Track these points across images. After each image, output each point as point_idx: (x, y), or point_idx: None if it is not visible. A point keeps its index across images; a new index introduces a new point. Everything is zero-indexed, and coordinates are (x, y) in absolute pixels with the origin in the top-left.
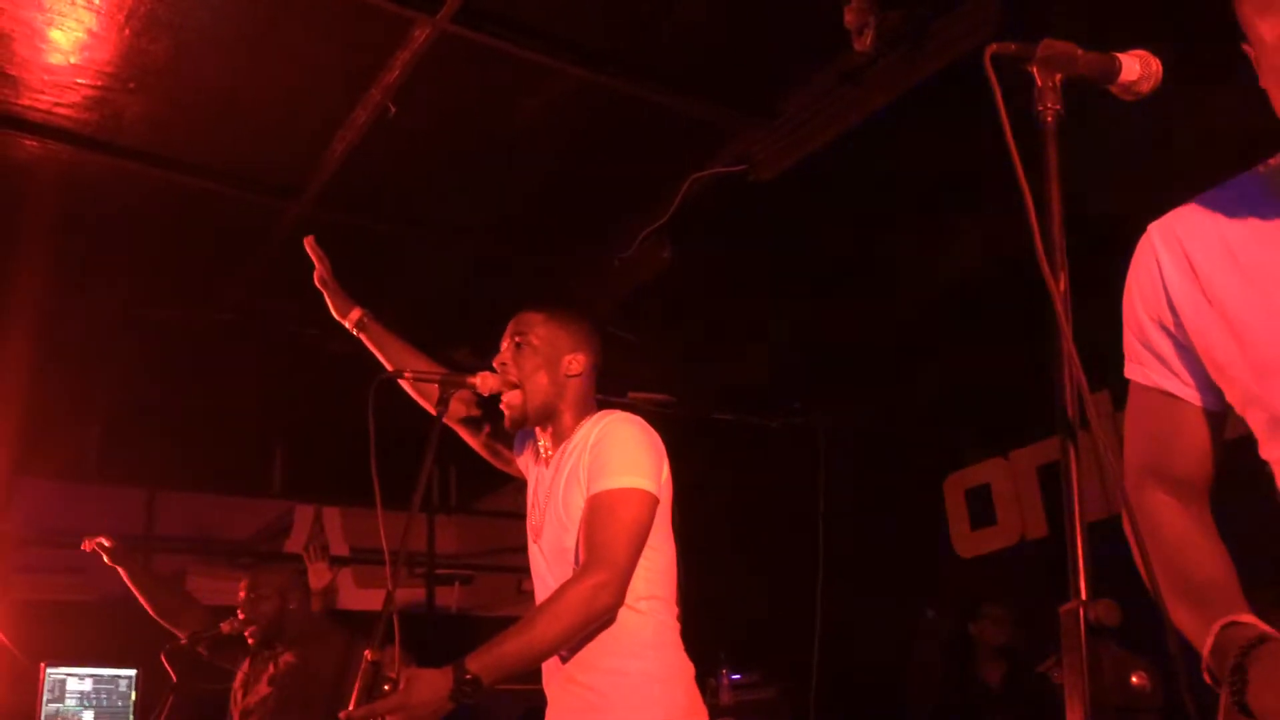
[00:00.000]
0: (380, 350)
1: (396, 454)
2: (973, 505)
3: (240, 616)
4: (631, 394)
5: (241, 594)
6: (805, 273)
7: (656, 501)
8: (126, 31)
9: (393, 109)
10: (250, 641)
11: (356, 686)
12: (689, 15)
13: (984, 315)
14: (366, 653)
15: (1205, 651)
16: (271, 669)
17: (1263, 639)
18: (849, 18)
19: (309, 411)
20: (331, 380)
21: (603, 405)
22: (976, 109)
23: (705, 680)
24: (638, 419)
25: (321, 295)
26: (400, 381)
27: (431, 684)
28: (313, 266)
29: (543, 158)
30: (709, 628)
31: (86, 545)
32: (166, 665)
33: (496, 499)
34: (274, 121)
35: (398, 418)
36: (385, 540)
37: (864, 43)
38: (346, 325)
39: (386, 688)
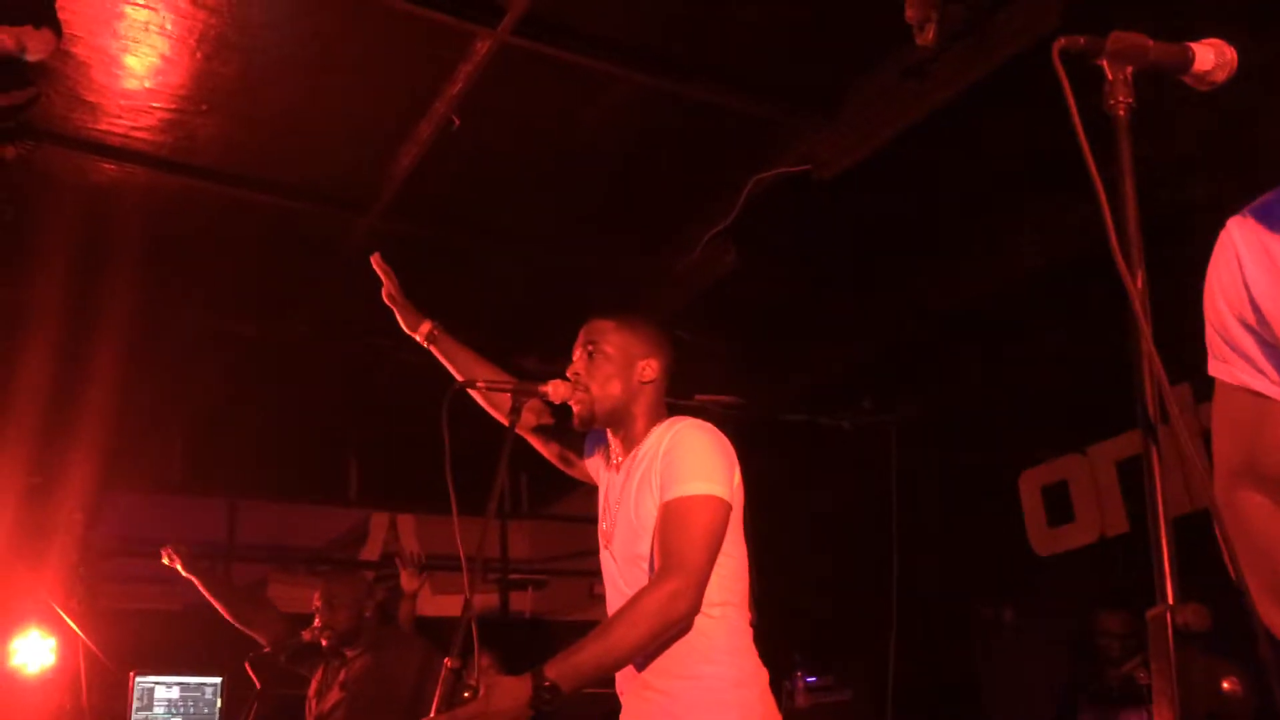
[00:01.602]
0: (451, 362)
1: (468, 462)
2: (1049, 502)
3: (317, 624)
4: (699, 396)
5: (316, 602)
6: (872, 271)
7: (729, 508)
8: (198, 55)
9: (456, 121)
10: (325, 647)
11: (437, 694)
12: (746, 16)
13: (1057, 310)
14: (446, 660)
15: None
16: (344, 675)
17: None
18: (910, 13)
19: (383, 421)
20: (405, 390)
21: (671, 410)
22: (1042, 100)
23: (780, 683)
24: (709, 425)
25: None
26: (471, 392)
27: (511, 691)
28: (381, 282)
29: (606, 164)
30: (783, 630)
31: (163, 555)
32: (251, 673)
33: (568, 503)
34: (342, 137)
35: (468, 427)
36: (461, 548)
37: (926, 37)
38: (417, 339)
39: (466, 695)
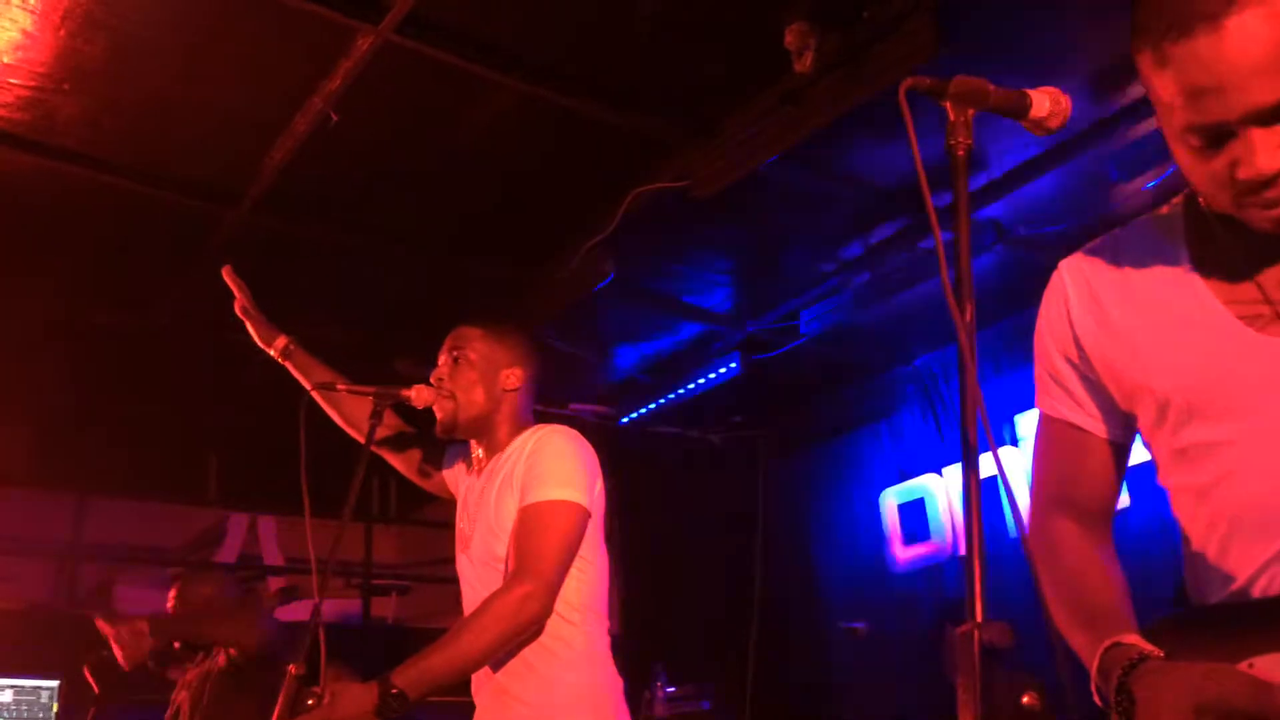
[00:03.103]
0: (306, 378)
1: (335, 464)
2: (907, 520)
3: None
4: (572, 406)
5: (170, 604)
6: (745, 288)
7: (588, 515)
8: (62, 32)
9: (334, 117)
10: (176, 650)
11: (280, 700)
12: (634, 32)
13: (929, 334)
14: (291, 666)
15: (1093, 671)
16: (197, 679)
17: (1143, 658)
18: (790, 39)
19: (248, 419)
20: (272, 387)
21: (541, 418)
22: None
23: (640, 692)
24: (574, 433)
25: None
26: (322, 403)
27: (356, 699)
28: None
29: (487, 170)
30: (647, 640)
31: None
32: (89, 677)
33: (437, 509)
34: (213, 126)
35: (335, 430)
36: (313, 551)
37: (804, 64)
38: (272, 353)
39: (310, 702)
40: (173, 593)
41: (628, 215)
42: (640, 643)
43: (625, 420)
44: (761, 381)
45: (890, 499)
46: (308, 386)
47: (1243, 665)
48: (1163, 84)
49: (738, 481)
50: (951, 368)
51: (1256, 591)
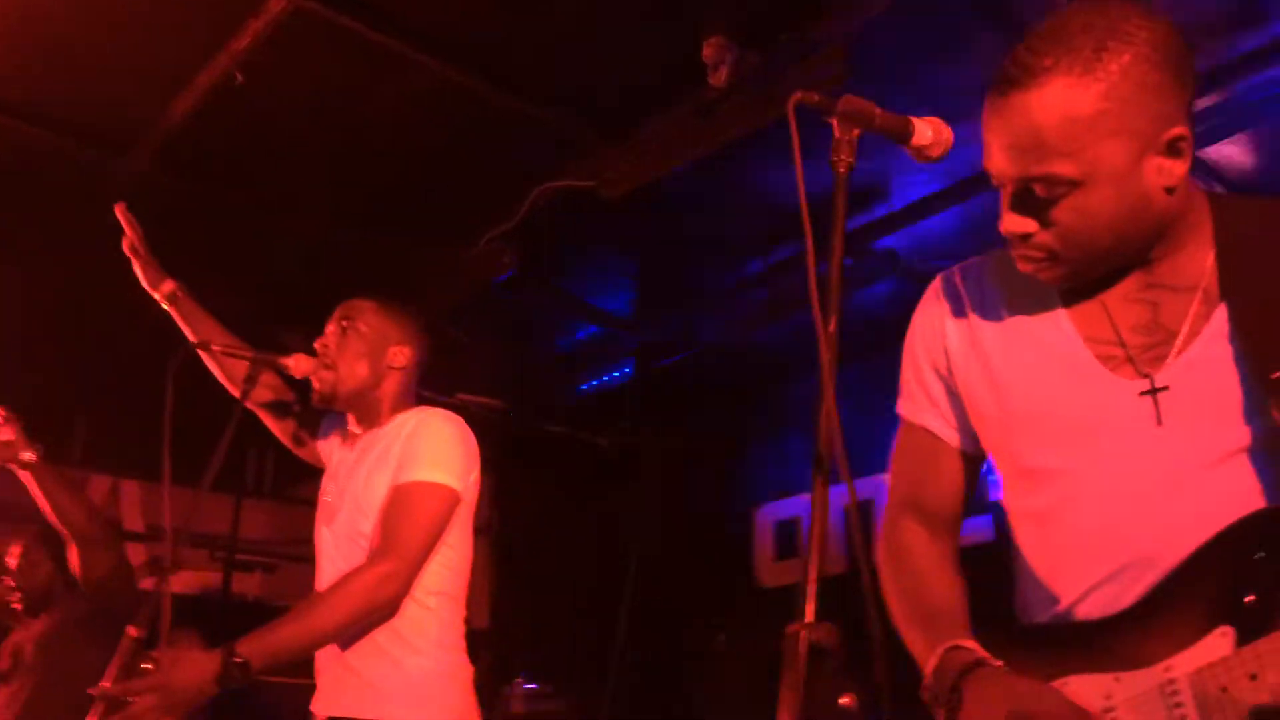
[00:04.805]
0: (190, 326)
1: (210, 432)
2: (780, 536)
3: (8, 583)
4: (461, 395)
5: (13, 559)
6: (646, 294)
7: (459, 500)
8: None
9: (240, 78)
10: (18, 609)
11: (115, 662)
12: (557, 27)
13: (816, 353)
14: (130, 629)
15: (928, 672)
16: (33, 639)
17: (979, 663)
18: (707, 52)
19: (120, 379)
20: (148, 347)
21: (425, 403)
22: (821, 152)
23: (499, 686)
24: (456, 418)
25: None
26: (204, 357)
27: (196, 665)
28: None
29: (396, 149)
30: (513, 635)
31: None
32: None
33: (313, 487)
34: (113, 74)
35: (214, 396)
36: (169, 518)
37: (719, 78)
38: (157, 297)
39: (147, 665)
40: (16, 549)
41: (534, 209)
42: (506, 637)
43: (513, 414)
44: (653, 388)
45: (767, 515)
46: (189, 338)
47: (1058, 683)
48: (989, 162)
49: (620, 485)
50: (840, 393)
51: (1078, 615)
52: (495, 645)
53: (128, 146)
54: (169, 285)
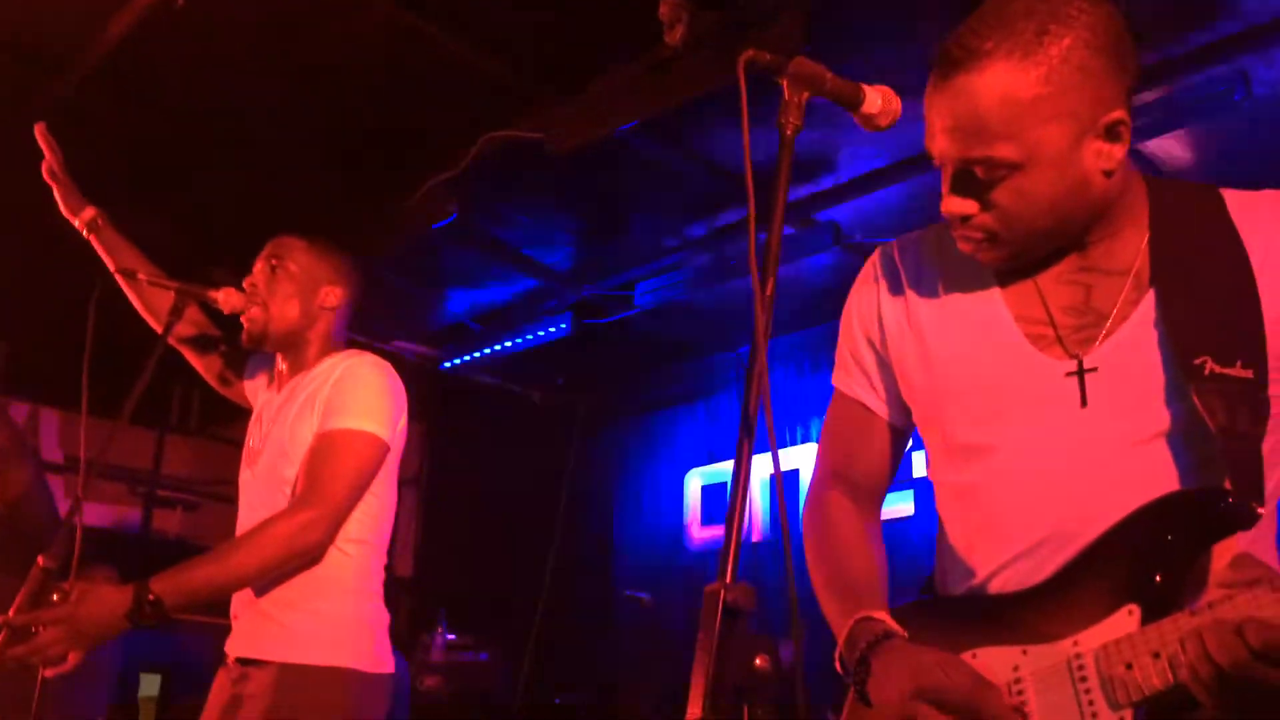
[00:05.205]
0: (112, 256)
1: (137, 364)
2: (708, 501)
3: None
4: (395, 342)
5: None
6: (586, 251)
7: (386, 449)
8: None
9: (180, 1)
10: None
11: (23, 591)
12: None
13: (753, 321)
14: (40, 558)
15: (840, 641)
16: None
17: (887, 635)
18: (663, 10)
19: (45, 306)
20: (72, 275)
21: (355, 348)
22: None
23: (419, 635)
24: (385, 364)
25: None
26: (127, 287)
27: (106, 600)
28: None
29: (342, 87)
30: (437, 585)
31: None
32: None
33: (241, 427)
34: None
35: (143, 326)
36: (85, 446)
37: (674, 36)
38: (77, 224)
39: (55, 597)
40: None
41: (479, 158)
42: (430, 588)
43: (448, 365)
44: (589, 346)
45: (695, 479)
46: (110, 268)
47: (967, 655)
48: (932, 145)
49: (551, 442)
50: (776, 360)
51: (992, 589)
52: (418, 594)
53: (61, 66)
54: (89, 212)
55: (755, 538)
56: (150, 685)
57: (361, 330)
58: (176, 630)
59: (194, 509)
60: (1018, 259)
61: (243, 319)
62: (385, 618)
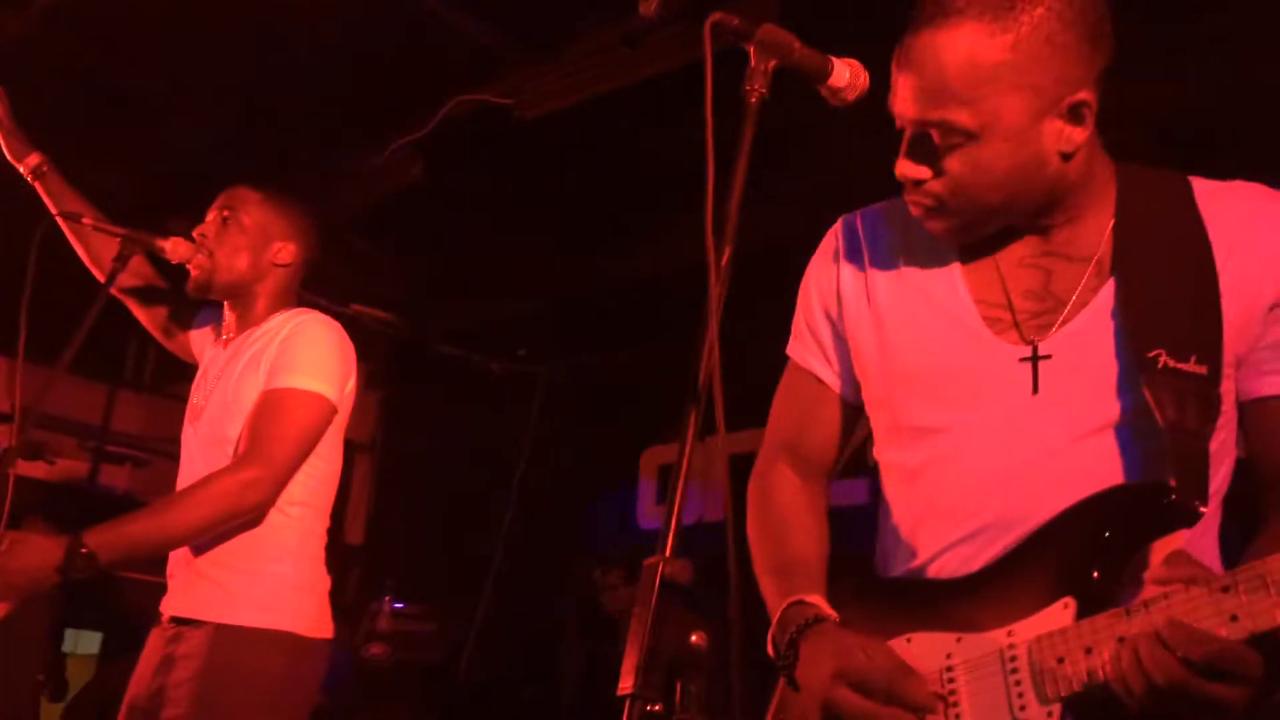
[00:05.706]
0: (57, 204)
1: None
2: (663, 480)
3: None
4: (354, 306)
5: None
6: (554, 220)
7: (334, 410)
8: None
9: None
10: None
11: None
12: None
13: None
14: None
15: (773, 623)
16: None
17: (818, 619)
18: None
19: None
20: (17, 220)
21: (307, 307)
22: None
23: (367, 603)
24: (335, 324)
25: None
26: (70, 233)
27: (37, 550)
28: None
29: (312, 42)
30: (388, 554)
31: None
32: None
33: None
34: None
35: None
36: (18, 397)
37: (649, 7)
38: (21, 170)
39: None
40: None
41: (447, 121)
42: (381, 555)
43: (408, 331)
44: (553, 318)
45: (652, 457)
46: (53, 212)
47: (901, 640)
48: (894, 101)
49: (509, 414)
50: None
51: (931, 572)
52: (368, 562)
53: (19, 2)
54: (34, 158)
55: (712, 516)
56: (90, 642)
57: (317, 291)
58: (119, 588)
59: (143, 465)
60: (966, 232)
61: (190, 267)
62: (326, 582)
